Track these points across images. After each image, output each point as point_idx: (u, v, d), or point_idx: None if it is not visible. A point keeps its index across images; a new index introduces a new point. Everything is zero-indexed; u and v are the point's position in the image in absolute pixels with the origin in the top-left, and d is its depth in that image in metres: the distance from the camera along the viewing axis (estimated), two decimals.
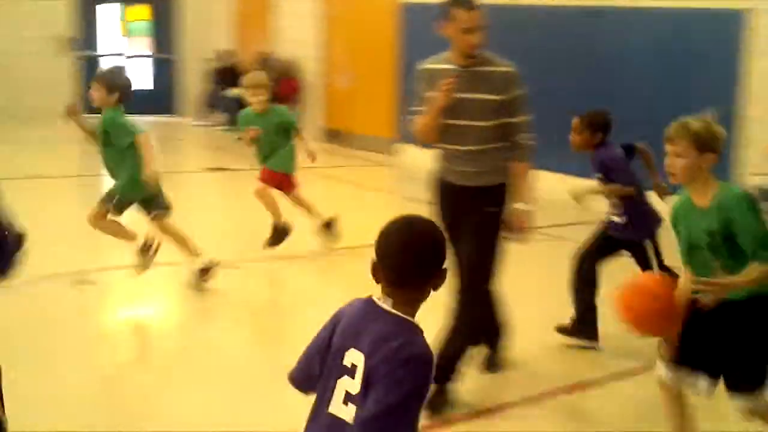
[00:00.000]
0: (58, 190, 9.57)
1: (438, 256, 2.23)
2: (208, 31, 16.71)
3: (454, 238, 4.10)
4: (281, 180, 7.07)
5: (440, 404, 4.12)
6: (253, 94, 6.82)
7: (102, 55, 16.59)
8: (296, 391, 2.31)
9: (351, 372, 2.15)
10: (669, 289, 3.42)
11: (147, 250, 5.95)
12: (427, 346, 2.16)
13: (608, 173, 5.10)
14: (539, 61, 9.09)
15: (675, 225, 3.48)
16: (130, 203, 5.77)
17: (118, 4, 17.04)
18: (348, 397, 2.15)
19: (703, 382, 3.47)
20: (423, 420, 1.98)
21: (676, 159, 3.36)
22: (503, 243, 4.28)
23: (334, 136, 14.01)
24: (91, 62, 16.01)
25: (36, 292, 5.60)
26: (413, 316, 2.20)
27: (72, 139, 7.31)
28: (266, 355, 5.06)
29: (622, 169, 5.10)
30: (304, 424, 2.23)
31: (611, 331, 4.79)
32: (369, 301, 2.23)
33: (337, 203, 8.41)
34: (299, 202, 7.24)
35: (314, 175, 11.67)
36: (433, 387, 4.15)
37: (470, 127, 4.15)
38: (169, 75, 17.25)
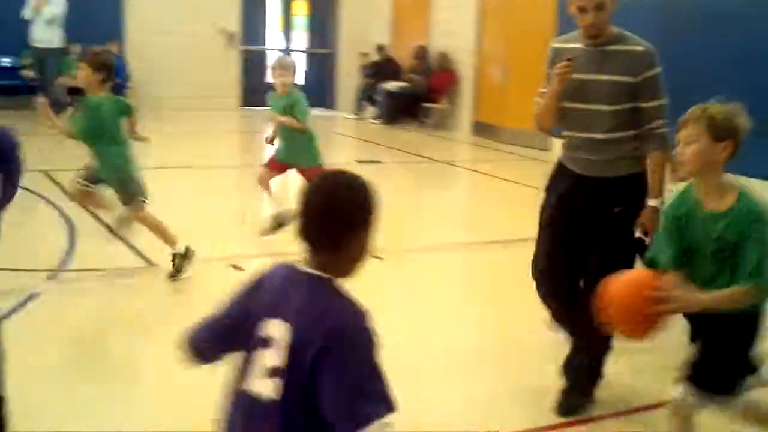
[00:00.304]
0: (219, 178, 9.99)
1: (360, 214, 2.02)
2: (366, 26, 17.00)
3: (567, 231, 3.88)
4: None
5: (577, 406, 3.98)
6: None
7: (268, 49, 17.16)
8: None
9: (269, 344, 1.98)
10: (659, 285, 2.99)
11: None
12: (354, 303, 1.99)
13: None
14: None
15: (672, 225, 3.13)
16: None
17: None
18: (270, 371, 1.97)
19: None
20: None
21: (687, 146, 2.98)
22: (635, 246, 3.82)
23: (484, 129, 14.00)
24: (258, 56, 16.64)
25: (192, 274, 5.77)
26: (343, 277, 2.04)
27: (235, 129, 7.54)
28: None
29: None
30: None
31: None
32: (291, 267, 2.07)
33: (487, 197, 8.37)
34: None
35: (461, 169, 11.78)
36: (567, 385, 4.07)
37: (596, 111, 3.79)
38: (326, 69, 17.67)
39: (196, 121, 14.50)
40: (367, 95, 16.27)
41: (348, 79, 17.07)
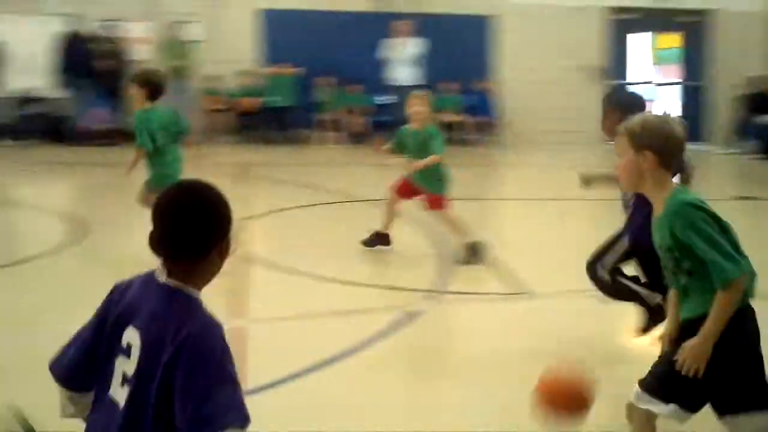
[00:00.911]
0: (569, 210, 9.77)
1: (211, 224, 2.04)
2: (740, 57, 15.93)
3: None
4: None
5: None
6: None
7: (631, 83, 16.72)
8: None
9: (127, 352, 1.98)
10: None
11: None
12: (206, 313, 2.00)
13: None
14: None
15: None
16: None
17: (649, 33, 17.06)
18: (124, 379, 1.97)
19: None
20: None
21: (620, 160, 3.03)
22: None
23: None
24: (619, 90, 16.24)
25: (557, 306, 5.82)
26: (197, 287, 2.04)
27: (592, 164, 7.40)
28: None
29: None
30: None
31: None
32: (148, 275, 2.08)
33: None
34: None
35: None
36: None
37: None
38: (698, 102, 16.79)
39: (559, 154, 14.43)
40: (741, 129, 15.19)
41: (721, 112, 16.08)
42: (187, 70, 14.50)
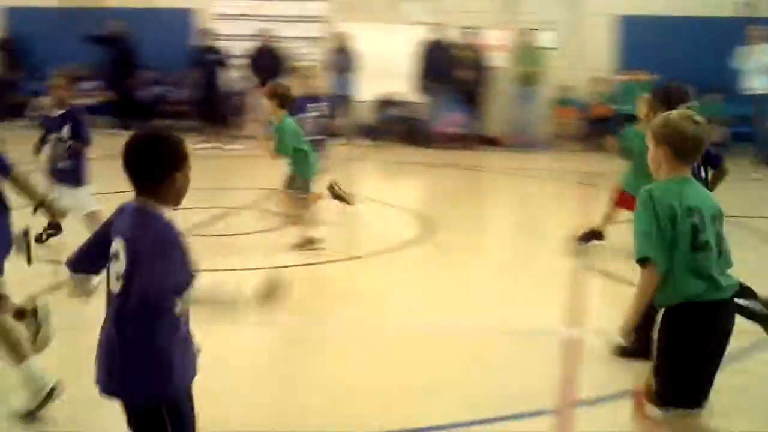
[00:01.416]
0: None
1: (165, 162, 2.82)
2: None
3: None
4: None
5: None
6: None
7: None
8: None
9: (117, 256, 2.82)
10: None
11: None
12: (162, 221, 2.81)
13: None
14: None
15: None
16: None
17: None
18: (117, 276, 2.81)
19: None
20: None
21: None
22: None
23: None
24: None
25: None
26: (165, 204, 2.84)
27: None
28: None
29: None
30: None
31: None
32: (130, 202, 2.88)
33: None
34: None
35: None
36: None
37: None
38: None
39: None
40: None
41: None
42: (538, 76, 14.67)
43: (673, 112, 3.48)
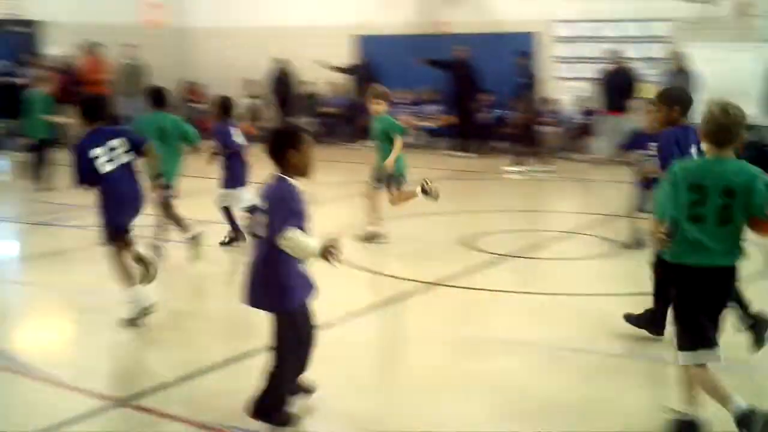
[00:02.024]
0: None
1: (277, 145, 4.11)
2: None
3: None
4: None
5: None
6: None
7: None
8: None
9: (262, 209, 4.17)
10: None
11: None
12: (287, 182, 4.07)
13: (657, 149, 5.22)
14: None
15: None
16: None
17: None
18: (261, 222, 4.08)
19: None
20: None
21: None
22: None
23: None
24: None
25: None
26: (294, 174, 4.09)
27: None
28: None
29: (664, 150, 5.16)
30: None
31: None
32: (272, 174, 4.14)
33: None
34: None
35: None
36: None
37: None
38: None
39: None
40: None
41: None
42: None
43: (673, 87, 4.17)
